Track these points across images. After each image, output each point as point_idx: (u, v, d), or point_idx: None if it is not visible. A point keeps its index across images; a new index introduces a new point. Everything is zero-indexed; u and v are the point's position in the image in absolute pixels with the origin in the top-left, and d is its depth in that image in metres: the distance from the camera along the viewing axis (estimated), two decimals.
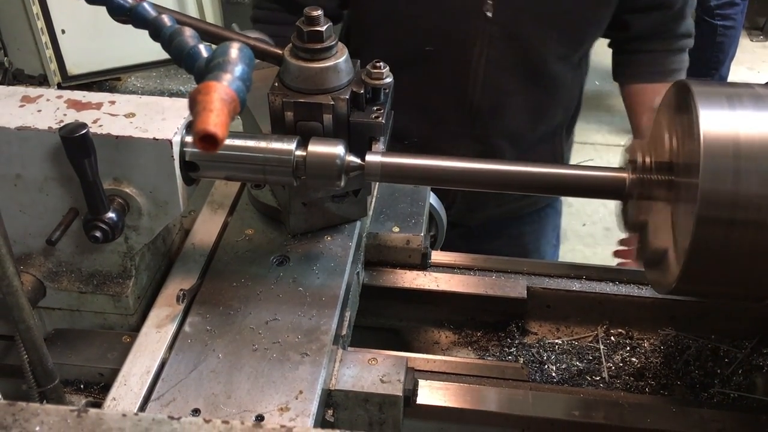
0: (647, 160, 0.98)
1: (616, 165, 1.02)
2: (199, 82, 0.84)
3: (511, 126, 1.72)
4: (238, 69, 0.81)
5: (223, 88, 0.77)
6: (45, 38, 4.04)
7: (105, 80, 4.50)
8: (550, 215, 2.02)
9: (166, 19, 0.91)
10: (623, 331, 1.28)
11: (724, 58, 4.46)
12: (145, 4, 0.94)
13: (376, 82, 1.04)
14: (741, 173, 0.83)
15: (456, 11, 1.57)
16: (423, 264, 1.29)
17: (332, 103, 1.02)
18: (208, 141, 0.74)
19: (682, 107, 0.90)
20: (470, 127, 1.71)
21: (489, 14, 1.56)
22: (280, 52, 1.05)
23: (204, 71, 0.85)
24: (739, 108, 0.86)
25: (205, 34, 0.99)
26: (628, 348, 1.25)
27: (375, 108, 1.05)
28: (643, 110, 1.82)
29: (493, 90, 1.65)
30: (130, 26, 1.00)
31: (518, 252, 1.97)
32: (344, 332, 1.08)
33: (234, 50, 0.83)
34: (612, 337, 1.27)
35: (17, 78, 4.13)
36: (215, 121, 0.74)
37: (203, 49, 0.89)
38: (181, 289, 1.03)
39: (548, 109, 1.75)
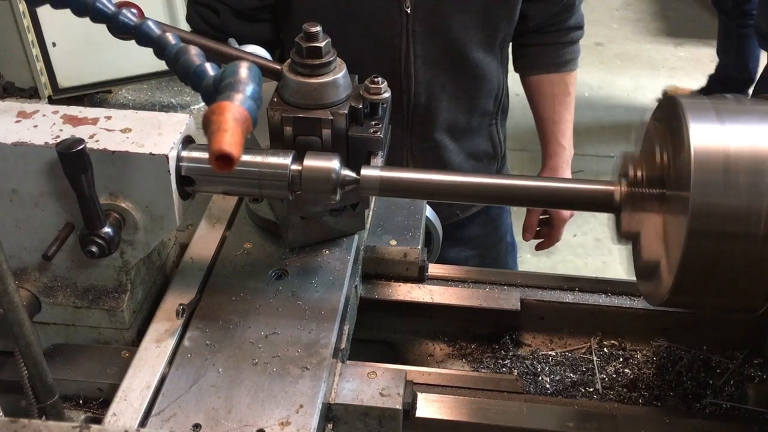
0: (638, 173, 0.99)
1: (606, 176, 1.04)
2: (207, 101, 0.84)
3: (447, 119, 1.76)
4: (249, 88, 0.82)
5: (236, 108, 0.78)
6: (36, 51, 4.02)
7: (96, 93, 4.49)
8: (501, 215, 2.07)
9: (170, 38, 0.91)
10: (616, 343, 1.28)
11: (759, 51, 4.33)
12: (150, 23, 0.93)
13: (374, 97, 1.06)
14: (731, 186, 0.85)
15: (376, 13, 1.61)
16: (420, 277, 1.29)
17: (331, 118, 1.03)
18: (224, 160, 0.75)
19: (672, 121, 0.91)
20: (410, 124, 1.74)
21: (408, 11, 1.60)
22: (278, 67, 1.06)
23: (213, 90, 0.85)
24: (728, 122, 0.88)
25: (203, 49, 0.99)
26: (621, 359, 1.26)
27: (373, 123, 1.06)
28: (543, 99, 1.93)
29: (426, 85, 1.69)
30: (120, 39, 1.00)
31: (478, 255, 2.01)
32: (343, 346, 1.08)
33: (244, 70, 0.83)
34: (605, 349, 1.28)
35: (7, 91, 4.11)
36: (230, 140, 0.75)
37: (209, 68, 0.89)
38: (180, 304, 1.03)
39: (479, 99, 1.79)
